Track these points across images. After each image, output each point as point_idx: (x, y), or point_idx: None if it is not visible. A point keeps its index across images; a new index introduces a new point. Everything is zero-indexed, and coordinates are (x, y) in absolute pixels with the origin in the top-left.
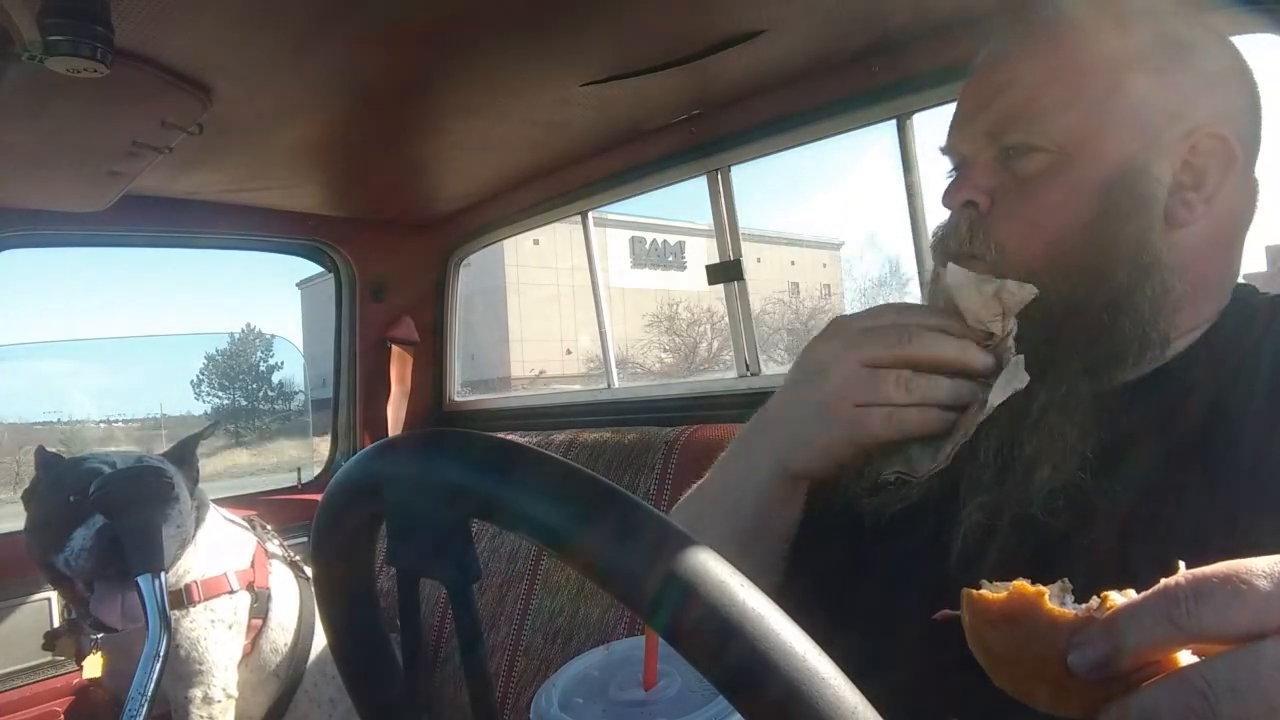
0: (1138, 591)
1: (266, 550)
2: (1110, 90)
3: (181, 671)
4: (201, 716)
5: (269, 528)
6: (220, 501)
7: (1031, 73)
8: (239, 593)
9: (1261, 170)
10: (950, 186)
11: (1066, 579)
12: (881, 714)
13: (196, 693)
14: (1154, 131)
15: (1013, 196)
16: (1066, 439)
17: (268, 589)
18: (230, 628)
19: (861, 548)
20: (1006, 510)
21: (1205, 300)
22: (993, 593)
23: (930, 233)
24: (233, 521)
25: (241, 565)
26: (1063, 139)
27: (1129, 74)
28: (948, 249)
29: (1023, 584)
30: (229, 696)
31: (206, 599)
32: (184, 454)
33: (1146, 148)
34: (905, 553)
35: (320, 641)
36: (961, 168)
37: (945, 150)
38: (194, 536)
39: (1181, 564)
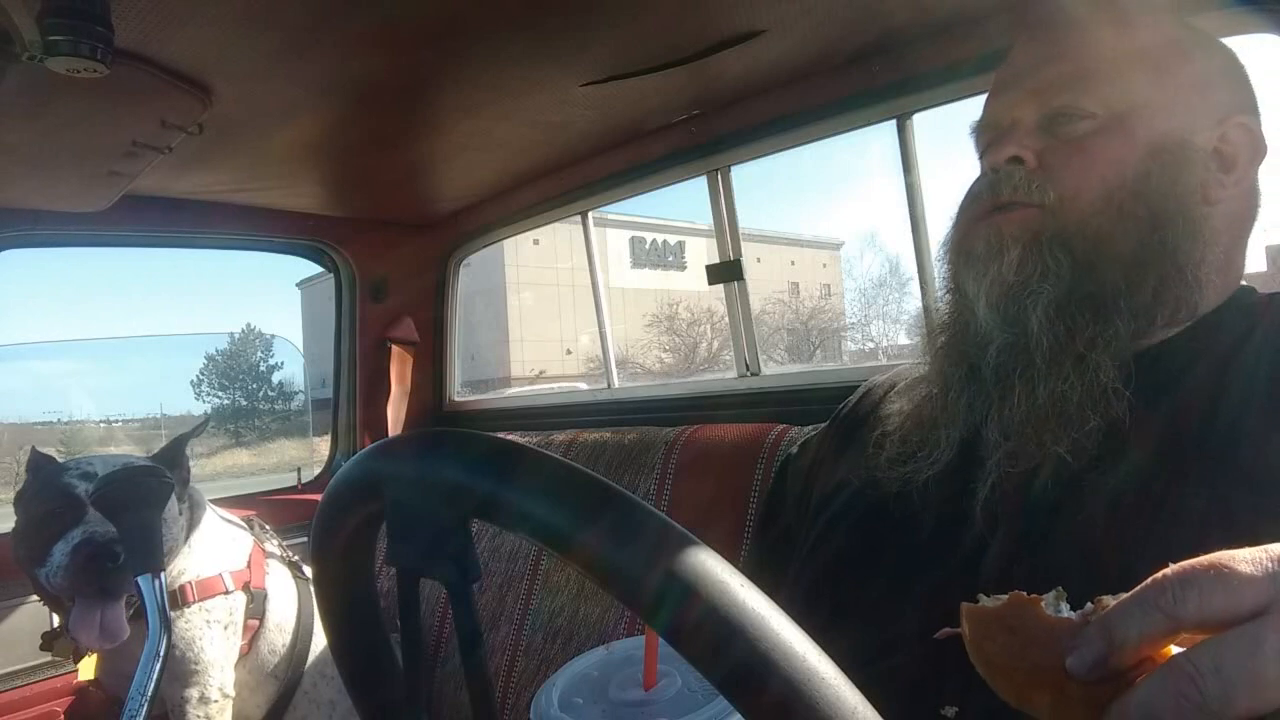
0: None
1: (264, 550)
2: (1159, 68)
3: (177, 672)
4: (198, 716)
5: (268, 528)
6: (220, 501)
7: (1084, 43)
8: (234, 593)
9: (1263, 171)
10: (996, 145)
11: (1061, 588)
12: (888, 701)
13: (193, 693)
14: (1194, 112)
15: (1061, 154)
16: (1106, 376)
17: (264, 589)
18: (226, 628)
19: (880, 521)
20: (1037, 454)
21: (1209, 287)
22: (991, 604)
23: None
24: (229, 521)
25: (237, 566)
26: (1113, 104)
27: (1173, 57)
28: (999, 198)
29: (1019, 594)
30: (225, 696)
31: (201, 600)
32: (173, 455)
33: (1189, 124)
34: (934, 517)
35: (319, 643)
36: (1000, 136)
37: (980, 126)
38: (185, 539)
39: (1170, 564)
